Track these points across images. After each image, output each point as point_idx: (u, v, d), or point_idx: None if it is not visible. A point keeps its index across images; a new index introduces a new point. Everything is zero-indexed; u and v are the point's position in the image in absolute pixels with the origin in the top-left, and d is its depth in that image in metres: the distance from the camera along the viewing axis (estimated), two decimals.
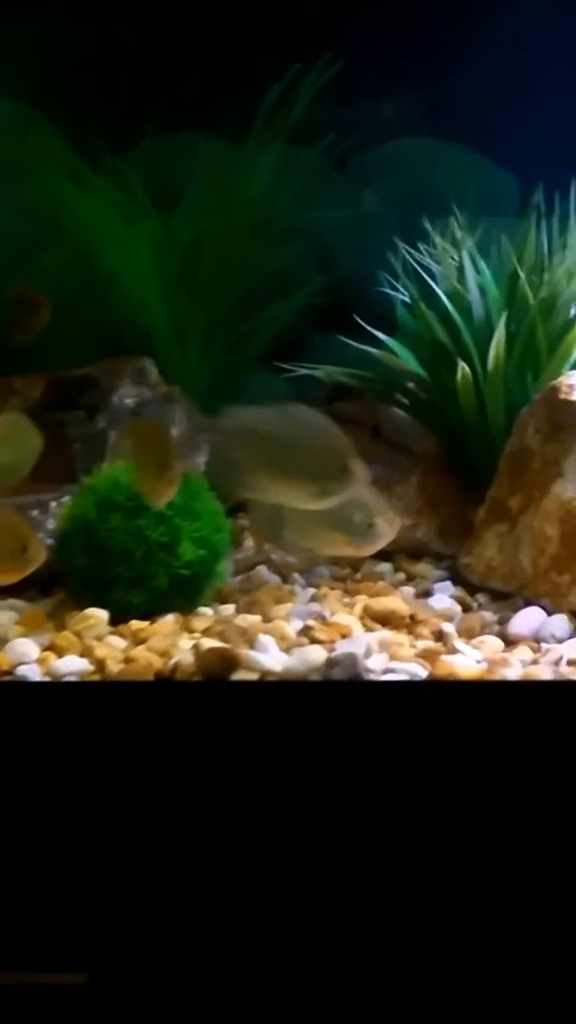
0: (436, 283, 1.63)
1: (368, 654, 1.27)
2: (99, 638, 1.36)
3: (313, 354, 1.76)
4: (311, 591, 1.55)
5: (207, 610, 1.47)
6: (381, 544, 1.30)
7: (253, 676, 1.25)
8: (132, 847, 1.40)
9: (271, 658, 1.26)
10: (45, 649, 1.32)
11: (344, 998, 1.34)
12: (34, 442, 1.49)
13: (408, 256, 1.65)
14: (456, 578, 1.54)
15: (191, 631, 1.41)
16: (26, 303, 1.57)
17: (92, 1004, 1.36)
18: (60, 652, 1.31)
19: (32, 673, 1.27)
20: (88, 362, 1.69)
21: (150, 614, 1.43)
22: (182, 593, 1.46)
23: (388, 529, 1.29)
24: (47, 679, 1.26)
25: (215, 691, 1.21)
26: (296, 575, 1.62)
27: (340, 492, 1.22)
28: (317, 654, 1.26)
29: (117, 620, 1.41)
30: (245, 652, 1.27)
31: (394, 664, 1.26)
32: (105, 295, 1.73)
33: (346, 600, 1.50)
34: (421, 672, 1.25)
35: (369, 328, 1.68)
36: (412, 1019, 1.30)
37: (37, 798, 1.22)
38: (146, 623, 1.41)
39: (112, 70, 1.84)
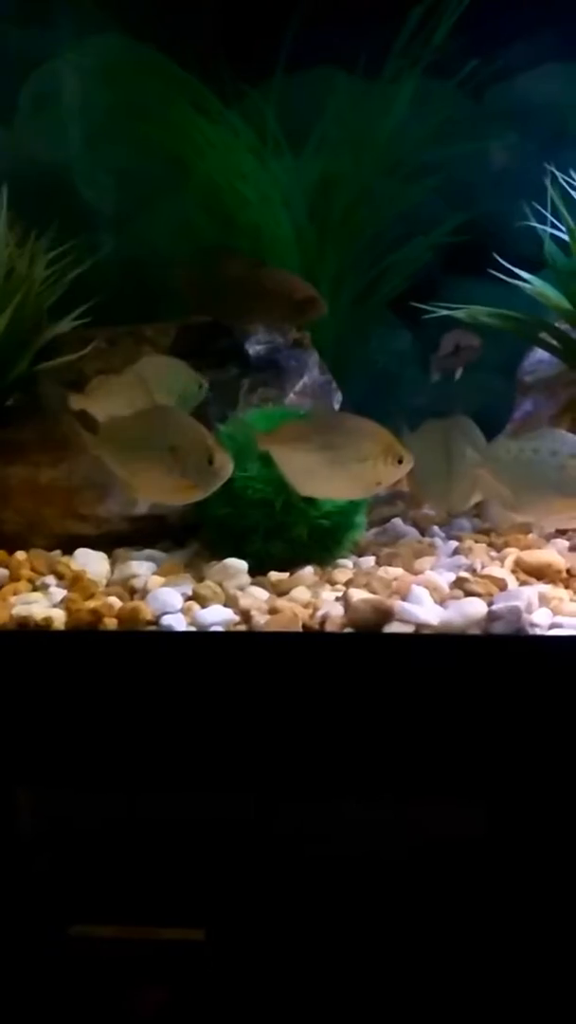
0: None
1: (530, 608, 1.19)
2: (241, 588, 1.31)
3: (446, 300, 1.67)
4: (453, 544, 1.48)
5: (346, 562, 1.42)
6: None
7: (407, 629, 1.19)
8: (270, 801, 1.36)
9: (426, 610, 1.20)
10: (188, 599, 1.29)
11: (475, 962, 1.29)
12: (188, 386, 1.43)
13: (559, 187, 1.54)
14: None
15: (333, 583, 1.35)
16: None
17: (208, 959, 1.34)
18: (203, 602, 1.27)
19: (177, 623, 1.23)
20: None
21: (288, 565, 1.38)
22: (321, 544, 1.41)
23: None
24: (192, 629, 1.23)
25: (370, 643, 1.15)
26: (435, 528, 1.55)
27: None
28: (477, 607, 1.19)
29: (254, 571, 1.37)
30: (399, 604, 1.20)
31: (559, 619, 1.18)
32: (235, 237, 1.67)
33: (493, 554, 1.42)
34: None
35: (510, 267, 1.59)
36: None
37: (182, 749, 1.19)
38: (285, 574, 1.36)
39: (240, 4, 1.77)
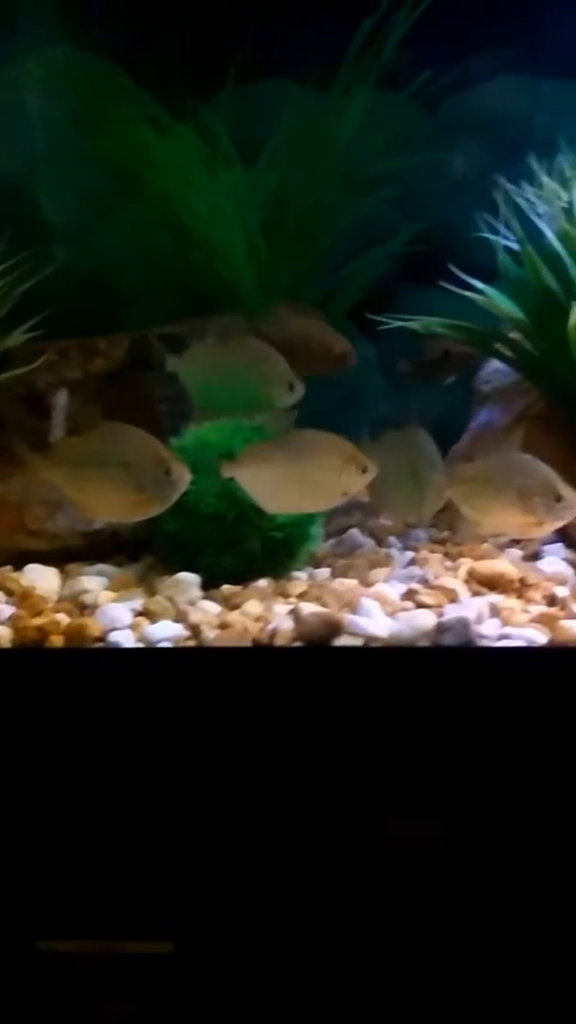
0: (543, 225, 1.51)
1: (480, 619, 1.19)
2: (192, 603, 1.30)
3: (404, 309, 1.67)
4: (409, 554, 1.47)
5: (301, 574, 1.41)
6: (569, 518, 1.22)
7: (357, 642, 1.18)
8: (223, 816, 1.35)
9: (376, 623, 1.19)
10: (137, 615, 1.27)
11: (434, 970, 1.28)
12: (278, 384, 1.37)
13: (511, 198, 1.54)
14: (568, 540, 1.44)
15: (286, 596, 1.34)
16: None
17: (178, 972, 1.33)
18: (153, 617, 1.26)
19: (125, 639, 1.22)
20: (172, 320, 1.63)
21: (242, 579, 1.37)
22: (274, 557, 1.40)
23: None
24: (141, 645, 1.21)
25: (319, 657, 1.14)
26: (392, 539, 1.55)
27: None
28: (426, 619, 1.18)
29: (208, 585, 1.35)
30: (348, 617, 1.19)
31: (508, 630, 1.18)
32: (188, 250, 1.66)
33: (448, 564, 1.42)
34: (540, 638, 1.16)
35: (465, 277, 1.59)
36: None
37: (131, 766, 1.17)
38: (238, 588, 1.35)
39: (190, 16, 1.76)
